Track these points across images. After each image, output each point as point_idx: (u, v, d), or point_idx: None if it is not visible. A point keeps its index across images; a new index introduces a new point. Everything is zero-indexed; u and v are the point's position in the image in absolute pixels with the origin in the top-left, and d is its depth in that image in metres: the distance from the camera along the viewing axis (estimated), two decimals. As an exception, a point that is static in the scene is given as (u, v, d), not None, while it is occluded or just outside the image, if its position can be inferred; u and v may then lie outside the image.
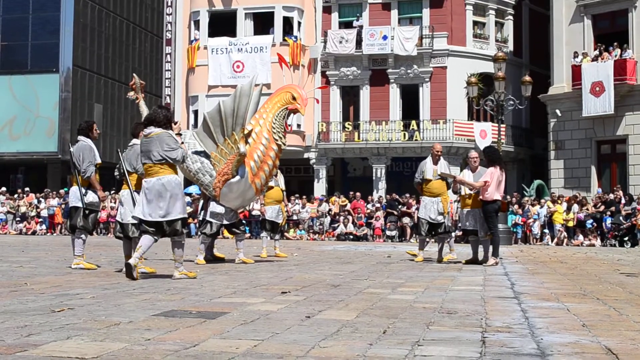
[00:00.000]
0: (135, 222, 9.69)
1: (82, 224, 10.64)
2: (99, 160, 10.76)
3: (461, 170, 15.81)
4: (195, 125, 34.66)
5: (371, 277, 9.69)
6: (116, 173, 10.55)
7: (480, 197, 12.60)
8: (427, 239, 14.94)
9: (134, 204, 9.72)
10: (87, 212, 10.63)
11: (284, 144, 12.52)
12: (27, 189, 37.20)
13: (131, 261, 8.73)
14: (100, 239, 27.17)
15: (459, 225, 26.80)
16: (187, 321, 5.18)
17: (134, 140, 10.30)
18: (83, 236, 10.73)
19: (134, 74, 13.02)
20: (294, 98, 12.49)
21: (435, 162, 13.79)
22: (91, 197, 10.69)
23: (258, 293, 7.28)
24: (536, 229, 28.50)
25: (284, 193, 16.03)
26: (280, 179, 15.63)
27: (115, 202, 31.06)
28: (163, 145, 8.81)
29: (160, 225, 8.90)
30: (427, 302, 6.66)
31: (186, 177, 13.20)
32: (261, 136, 12.24)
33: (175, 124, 9.45)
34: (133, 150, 10.12)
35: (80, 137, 10.85)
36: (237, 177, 11.89)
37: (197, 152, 12.14)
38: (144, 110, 12.30)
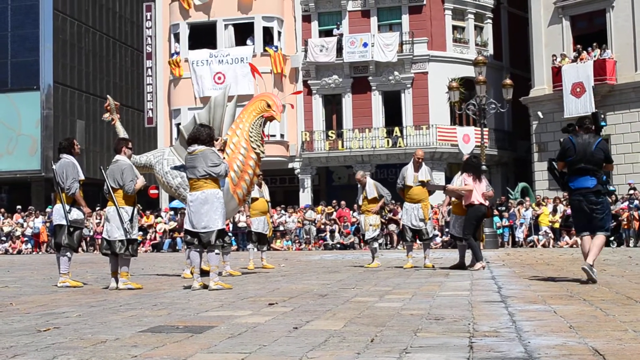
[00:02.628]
0: (122, 238, 9.76)
1: (67, 241, 10.58)
2: (82, 177, 10.72)
3: (446, 176, 15.91)
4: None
5: (358, 285, 9.68)
6: (105, 190, 10.53)
7: (465, 202, 12.63)
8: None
9: (121, 221, 9.80)
10: (71, 229, 10.58)
11: (263, 152, 12.54)
12: (19, 207, 36.92)
13: (211, 284, 9.26)
14: (87, 256, 27.04)
15: (446, 230, 26.85)
16: (174, 336, 5.16)
17: (117, 157, 10.29)
18: (68, 254, 10.67)
19: (108, 96, 13.04)
20: (268, 105, 12.51)
21: (417, 169, 13.86)
22: (75, 214, 10.64)
23: (245, 305, 7.26)
24: (522, 232, 28.56)
25: (269, 204, 16.00)
26: (265, 190, 15.62)
27: (100, 219, 30.96)
28: (207, 162, 9.38)
29: (200, 236, 9.47)
30: (414, 309, 6.66)
31: (167, 193, 13.21)
32: (239, 146, 12.24)
33: (217, 140, 10.02)
34: (117, 166, 10.11)
35: (62, 155, 10.82)
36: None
37: (176, 167, 12.10)
38: (121, 131, 12.29)
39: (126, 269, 10.03)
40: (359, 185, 15.28)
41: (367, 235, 14.95)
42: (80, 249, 11.04)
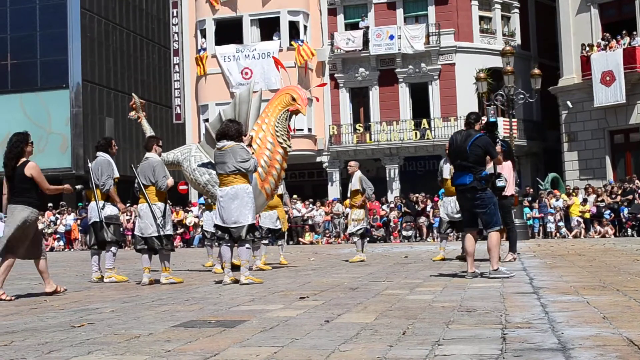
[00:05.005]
0: (156, 234, 9.88)
1: (110, 238, 10.74)
2: (117, 175, 10.86)
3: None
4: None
5: (389, 278, 9.67)
6: (136, 187, 10.64)
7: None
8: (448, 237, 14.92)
9: (154, 217, 9.87)
10: (107, 225, 10.71)
11: (289, 147, 12.48)
12: (50, 204, 37.29)
13: (241, 279, 9.36)
14: (119, 253, 27.22)
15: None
16: (207, 331, 5.19)
17: (148, 154, 10.38)
18: (113, 249, 10.84)
19: (134, 94, 13.09)
20: (293, 99, 12.45)
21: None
22: (109, 210, 10.79)
23: (276, 299, 7.29)
24: (553, 223, 28.35)
25: (286, 196, 15.66)
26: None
27: (131, 215, 31.16)
28: (237, 157, 9.43)
29: (230, 231, 9.50)
30: (445, 301, 6.64)
31: (195, 189, 13.24)
32: (266, 141, 12.21)
33: (245, 136, 10.04)
34: (148, 164, 10.20)
35: (99, 153, 11.02)
36: None
37: (204, 164, 12.11)
38: (147, 128, 12.34)
39: (167, 264, 10.16)
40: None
41: (349, 230, 14.84)
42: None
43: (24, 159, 8.77)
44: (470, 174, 9.07)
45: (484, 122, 9.56)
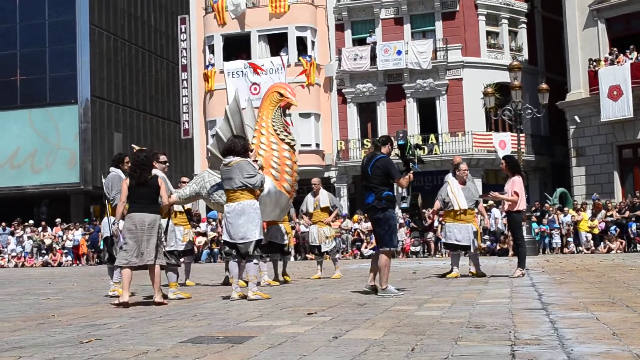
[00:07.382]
0: (177, 249, 9.97)
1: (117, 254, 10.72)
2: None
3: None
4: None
5: (397, 294, 9.63)
6: None
7: (507, 208, 12.50)
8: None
9: (166, 231, 9.85)
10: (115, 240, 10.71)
11: (293, 141, 12.65)
12: (58, 220, 37.40)
13: (249, 294, 9.34)
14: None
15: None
16: (215, 347, 5.18)
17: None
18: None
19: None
20: (281, 95, 12.72)
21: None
22: (120, 225, 10.76)
23: (284, 315, 7.27)
24: (561, 238, 28.21)
25: (292, 210, 15.31)
26: None
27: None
28: (243, 173, 9.46)
29: (238, 247, 9.54)
30: (454, 317, 6.62)
31: (220, 212, 13.23)
32: (269, 143, 12.41)
33: (251, 151, 10.10)
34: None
35: (111, 169, 11.14)
36: (265, 190, 11.68)
37: (219, 185, 12.03)
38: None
39: (174, 279, 10.16)
40: (310, 192, 15.10)
41: (324, 248, 14.82)
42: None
43: (154, 173, 9.50)
44: (373, 193, 9.52)
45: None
